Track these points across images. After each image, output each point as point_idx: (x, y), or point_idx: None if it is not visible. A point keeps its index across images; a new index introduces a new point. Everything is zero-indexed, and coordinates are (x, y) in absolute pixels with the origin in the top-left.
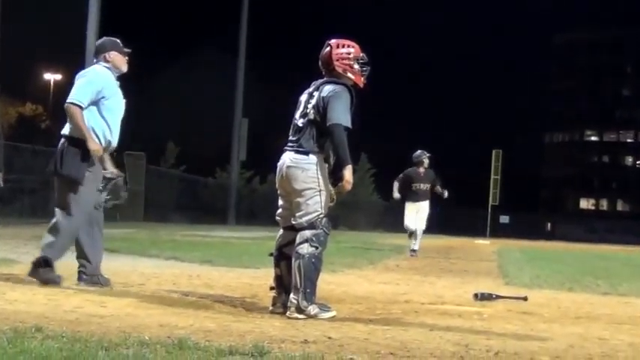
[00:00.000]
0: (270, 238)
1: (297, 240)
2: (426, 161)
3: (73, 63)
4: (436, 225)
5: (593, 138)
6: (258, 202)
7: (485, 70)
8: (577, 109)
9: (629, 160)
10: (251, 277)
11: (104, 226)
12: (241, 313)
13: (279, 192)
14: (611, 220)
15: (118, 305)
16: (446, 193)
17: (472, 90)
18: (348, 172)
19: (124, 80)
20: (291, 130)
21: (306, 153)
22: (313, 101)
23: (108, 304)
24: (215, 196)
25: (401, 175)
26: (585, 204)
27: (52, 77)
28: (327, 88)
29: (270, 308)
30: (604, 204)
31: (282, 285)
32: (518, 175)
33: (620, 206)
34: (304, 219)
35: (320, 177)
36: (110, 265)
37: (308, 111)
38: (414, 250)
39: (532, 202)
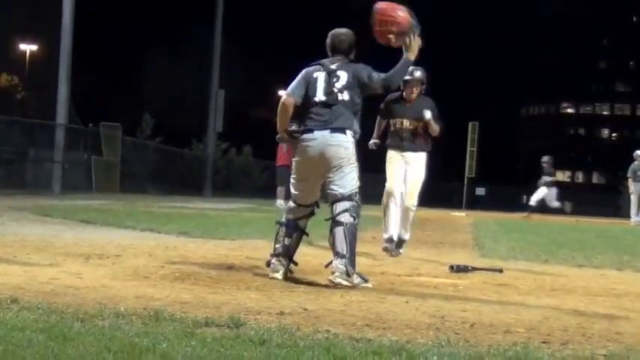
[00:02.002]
0: (246, 209)
1: (337, 210)
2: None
3: (49, 34)
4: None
5: (569, 110)
6: (234, 174)
7: (462, 43)
8: (553, 82)
9: (605, 132)
10: (227, 249)
11: (80, 197)
12: (217, 285)
13: (302, 170)
14: (586, 193)
15: (94, 277)
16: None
17: (448, 62)
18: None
19: (99, 50)
20: (312, 108)
21: (343, 131)
22: (342, 82)
23: (84, 276)
24: (191, 168)
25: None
26: (561, 176)
27: (27, 48)
28: (357, 66)
29: (272, 275)
30: (580, 176)
31: (288, 255)
32: (495, 147)
33: (595, 179)
34: (343, 191)
35: (355, 154)
36: (86, 237)
37: (336, 90)
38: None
39: (508, 175)
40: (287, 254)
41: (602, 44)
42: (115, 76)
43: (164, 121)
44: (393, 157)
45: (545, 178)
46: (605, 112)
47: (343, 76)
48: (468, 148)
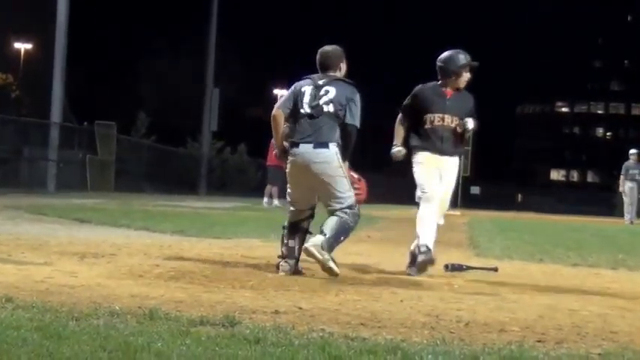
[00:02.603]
0: (240, 208)
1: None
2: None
3: (44, 32)
4: (407, 196)
5: (564, 109)
6: (229, 173)
7: (459, 42)
8: (548, 81)
9: (600, 131)
10: (222, 248)
11: (74, 196)
12: (212, 284)
13: (294, 181)
14: (581, 192)
15: (89, 276)
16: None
17: None
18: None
19: (93, 49)
20: (299, 120)
21: (326, 145)
22: (330, 96)
23: (79, 275)
24: (186, 167)
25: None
26: (556, 175)
27: (22, 46)
28: (347, 88)
29: (282, 274)
30: (574, 175)
31: (293, 256)
32: (490, 146)
33: (590, 177)
34: (341, 205)
35: (342, 164)
36: (81, 236)
37: (321, 103)
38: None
39: (503, 174)
40: (292, 255)
41: (597, 43)
42: (110, 74)
43: (159, 119)
44: (426, 160)
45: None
46: (600, 111)
47: (331, 91)
48: (463, 147)
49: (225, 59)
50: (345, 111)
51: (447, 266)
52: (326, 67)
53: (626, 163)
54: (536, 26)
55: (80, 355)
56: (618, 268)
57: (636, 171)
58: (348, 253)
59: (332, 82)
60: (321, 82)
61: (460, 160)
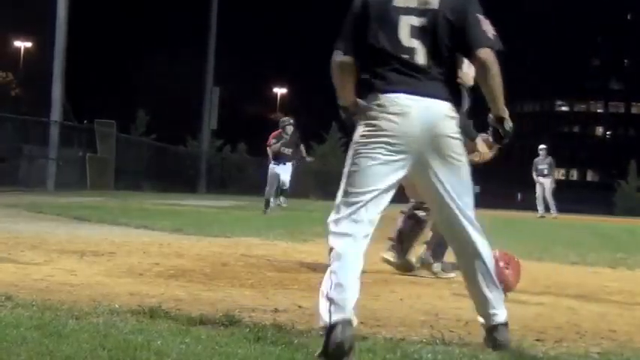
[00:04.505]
0: (240, 206)
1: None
2: None
3: (44, 31)
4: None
5: (564, 108)
6: (228, 171)
7: None
8: (547, 80)
9: (599, 130)
10: (221, 246)
11: (74, 194)
12: (212, 282)
13: None
14: (580, 190)
15: (89, 274)
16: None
17: None
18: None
19: (93, 47)
20: None
21: None
22: None
23: (78, 273)
24: (186, 165)
25: None
26: (555, 174)
27: (22, 45)
28: None
29: (383, 255)
30: (574, 174)
31: (401, 239)
32: None
33: (589, 176)
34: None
35: None
36: (80, 234)
37: None
38: None
39: (502, 172)
40: (400, 239)
41: (597, 42)
42: (110, 73)
43: (158, 118)
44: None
45: None
46: (599, 110)
47: None
48: None
49: (225, 57)
50: None
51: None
52: None
53: (536, 159)
54: (536, 25)
55: (80, 353)
56: (617, 267)
57: (544, 166)
58: None
59: None
60: None
61: None
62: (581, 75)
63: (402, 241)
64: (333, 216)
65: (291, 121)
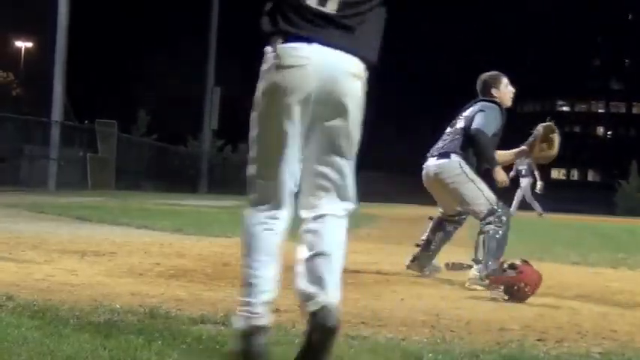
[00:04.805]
0: (241, 206)
1: (482, 225)
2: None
3: (45, 31)
4: (407, 195)
5: (565, 108)
6: (229, 171)
7: (458, 42)
8: (548, 80)
9: (600, 130)
10: (222, 246)
11: (75, 194)
12: (213, 282)
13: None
14: (581, 190)
15: (89, 274)
16: None
17: (445, 60)
18: (496, 174)
19: (94, 48)
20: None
21: (447, 155)
22: (466, 113)
23: (79, 273)
24: (186, 165)
25: None
26: (556, 174)
27: (23, 45)
28: (481, 103)
29: (407, 264)
30: (575, 174)
31: (428, 249)
32: None
33: (590, 176)
34: (480, 211)
35: (466, 170)
36: (81, 234)
37: (455, 121)
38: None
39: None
40: (427, 248)
41: (597, 42)
42: (111, 73)
43: (159, 118)
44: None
45: None
46: (600, 110)
47: (469, 109)
48: None
49: (226, 57)
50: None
51: (447, 264)
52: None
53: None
54: (537, 25)
55: (81, 353)
56: (618, 267)
57: (523, 167)
58: (348, 251)
59: (473, 104)
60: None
61: None
62: (582, 75)
63: (429, 250)
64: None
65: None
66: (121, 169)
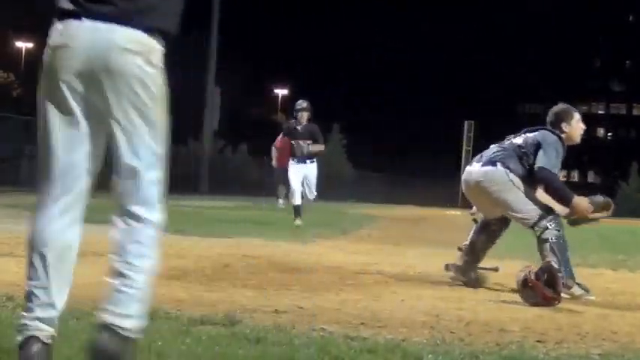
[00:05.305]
0: (241, 207)
1: (537, 233)
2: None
3: (46, 31)
4: (407, 195)
5: None
6: (229, 172)
7: (458, 42)
8: (548, 80)
9: (601, 131)
10: (222, 247)
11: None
12: (213, 283)
13: (471, 200)
14: (582, 192)
15: (90, 274)
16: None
17: (445, 60)
18: (577, 206)
19: None
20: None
21: (494, 164)
22: (529, 134)
23: (79, 273)
24: (187, 165)
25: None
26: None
27: (23, 45)
28: (544, 132)
29: (447, 265)
30: (575, 175)
31: (473, 251)
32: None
33: (591, 178)
34: (531, 217)
35: (512, 178)
36: (82, 234)
37: (512, 137)
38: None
39: None
40: (472, 252)
41: (598, 43)
42: None
43: None
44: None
45: None
46: (600, 112)
47: (531, 135)
48: (464, 147)
49: (227, 58)
50: (532, 152)
51: (447, 266)
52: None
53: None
54: (537, 25)
55: (80, 354)
56: (618, 269)
57: None
58: (348, 252)
59: (538, 129)
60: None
61: None
62: (582, 76)
63: (474, 254)
64: None
65: (304, 105)
66: None
